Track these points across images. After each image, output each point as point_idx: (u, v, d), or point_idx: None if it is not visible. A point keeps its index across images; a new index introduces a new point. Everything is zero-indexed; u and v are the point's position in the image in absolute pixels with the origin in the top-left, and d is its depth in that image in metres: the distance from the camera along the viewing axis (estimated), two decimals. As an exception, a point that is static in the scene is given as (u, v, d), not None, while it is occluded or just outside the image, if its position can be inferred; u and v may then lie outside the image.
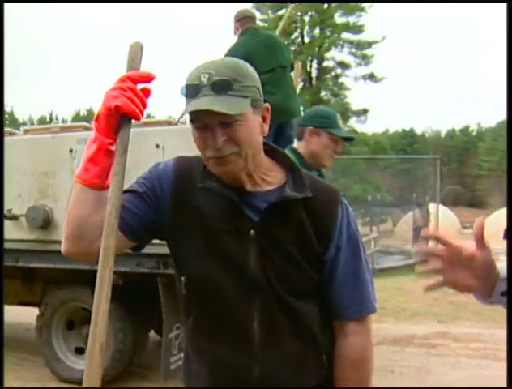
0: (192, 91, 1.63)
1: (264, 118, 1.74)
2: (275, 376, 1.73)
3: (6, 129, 6.31)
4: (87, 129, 5.74)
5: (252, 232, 1.73)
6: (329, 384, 1.84)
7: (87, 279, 4.07)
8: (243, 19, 5.87)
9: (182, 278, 1.78)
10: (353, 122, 36.66)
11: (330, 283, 1.81)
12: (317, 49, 35.47)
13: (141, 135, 4.99)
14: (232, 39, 5.89)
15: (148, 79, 1.67)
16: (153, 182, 1.77)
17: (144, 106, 1.65)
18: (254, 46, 5.60)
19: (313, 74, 36.07)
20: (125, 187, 1.71)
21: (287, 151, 3.56)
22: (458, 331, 8.04)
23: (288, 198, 1.74)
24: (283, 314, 1.74)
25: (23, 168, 5.77)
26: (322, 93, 36.03)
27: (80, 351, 6.01)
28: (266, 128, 1.76)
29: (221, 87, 1.61)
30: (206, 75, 1.62)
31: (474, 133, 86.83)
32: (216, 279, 1.73)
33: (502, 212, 28.70)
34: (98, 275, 1.57)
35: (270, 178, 1.80)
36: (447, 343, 7.45)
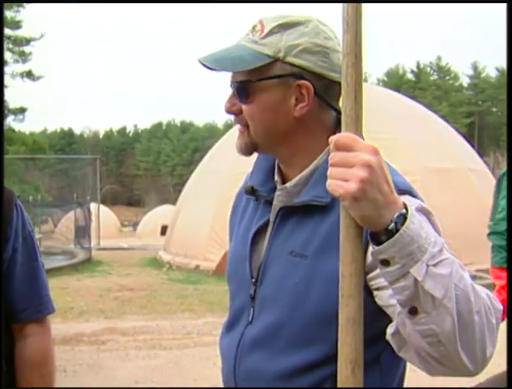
0: None
1: None
2: None
3: None
4: None
5: None
6: None
7: None
8: None
9: None
10: (10, 121, 35.32)
11: (8, 284, 1.80)
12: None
13: None
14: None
15: None
16: None
17: None
18: None
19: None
20: None
21: None
22: (125, 326, 8.37)
23: None
24: None
25: None
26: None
27: None
28: None
29: None
30: None
31: (131, 134, 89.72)
32: None
33: (158, 210, 30.22)
34: None
35: None
36: (115, 338, 7.73)
